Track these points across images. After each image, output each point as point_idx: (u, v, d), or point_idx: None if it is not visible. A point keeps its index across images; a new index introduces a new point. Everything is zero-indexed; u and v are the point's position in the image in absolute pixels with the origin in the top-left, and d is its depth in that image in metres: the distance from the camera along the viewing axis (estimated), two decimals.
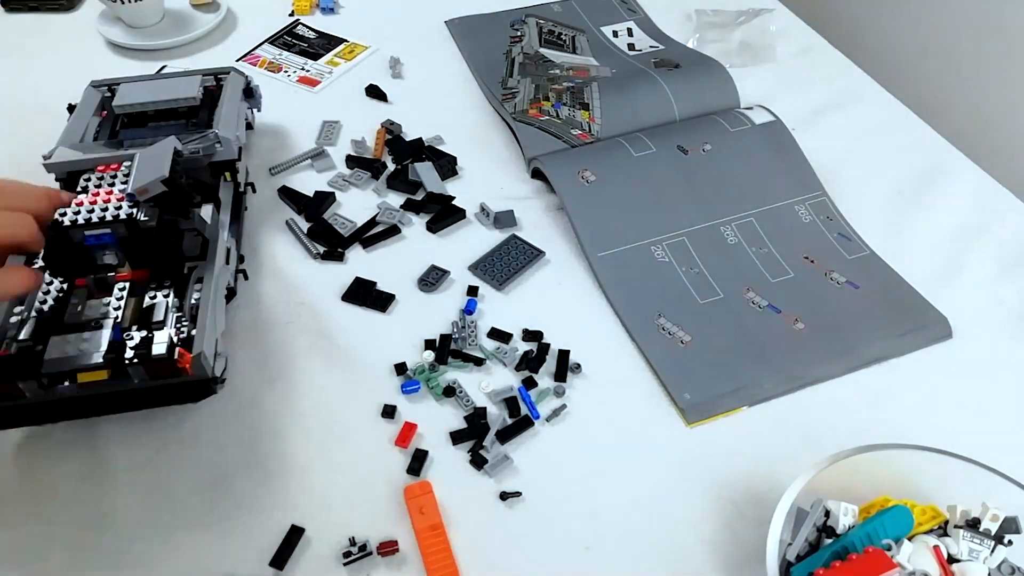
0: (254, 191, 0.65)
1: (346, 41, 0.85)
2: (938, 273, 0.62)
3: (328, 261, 0.61)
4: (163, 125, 0.61)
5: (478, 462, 0.49)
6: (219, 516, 0.46)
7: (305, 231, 0.63)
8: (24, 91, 0.76)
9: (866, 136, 0.76)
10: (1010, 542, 0.41)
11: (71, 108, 0.63)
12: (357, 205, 0.66)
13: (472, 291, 0.59)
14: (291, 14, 0.89)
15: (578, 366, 0.55)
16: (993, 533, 0.41)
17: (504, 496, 0.48)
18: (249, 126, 0.70)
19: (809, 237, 0.65)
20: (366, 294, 0.59)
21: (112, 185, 0.49)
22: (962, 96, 1.06)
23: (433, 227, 0.64)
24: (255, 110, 0.71)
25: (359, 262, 0.61)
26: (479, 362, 0.54)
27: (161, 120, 0.62)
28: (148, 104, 0.61)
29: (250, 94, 0.68)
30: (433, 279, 0.60)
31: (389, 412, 0.51)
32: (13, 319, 0.46)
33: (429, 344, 0.55)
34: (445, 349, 0.55)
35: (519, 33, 0.86)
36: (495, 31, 0.87)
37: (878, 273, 0.62)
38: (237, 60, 0.82)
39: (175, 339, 0.45)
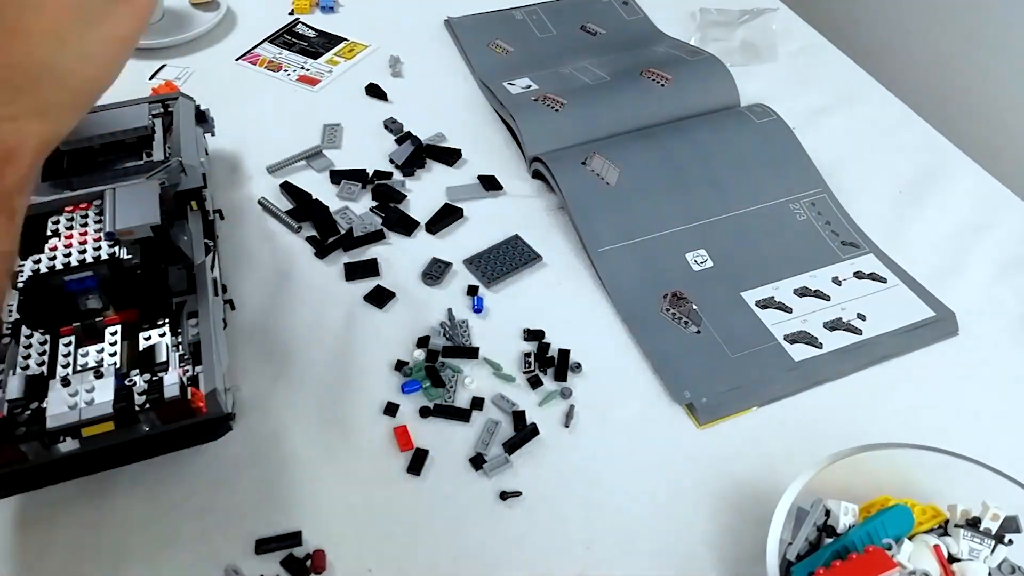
0: (222, 218, 0.62)
1: (346, 40, 0.85)
2: (940, 272, 0.62)
3: (319, 257, 0.62)
4: (113, 158, 0.56)
5: (476, 462, 0.49)
6: (218, 515, 0.46)
7: (282, 211, 0.64)
8: None
9: (867, 135, 0.76)
10: (1010, 541, 0.41)
11: None
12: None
13: (472, 290, 0.59)
14: (291, 13, 0.89)
15: (578, 365, 0.55)
16: (993, 532, 0.41)
17: (504, 496, 0.48)
18: (204, 152, 0.64)
19: (812, 233, 0.65)
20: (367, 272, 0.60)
21: (85, 226, 0.46)
22: (962, 96, 1.06)
23: (433, 228, 0.64)
24: (208, 135, 0.66)
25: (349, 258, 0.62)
26: (473, 353, 0.55)
27: (110, 153, 0.56)
28: (96, 138, 0.56)
29: (202, 118, 0.63)
30: (436, 272, 0.60)
31: (391, 411, 0.51)
32: None
33: (422, 341, 0.55)
34: (436, 350, 0.55)
35: (524, 32, 0.86)
36: (494, 30, 0.87)
37: (884, 269, 0.62)
38: (237, 59, 0.82)
39: (184, 379, 0.43)
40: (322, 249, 0.61)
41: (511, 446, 0.50)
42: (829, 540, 0.41)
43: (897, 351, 0.57)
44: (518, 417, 0.51)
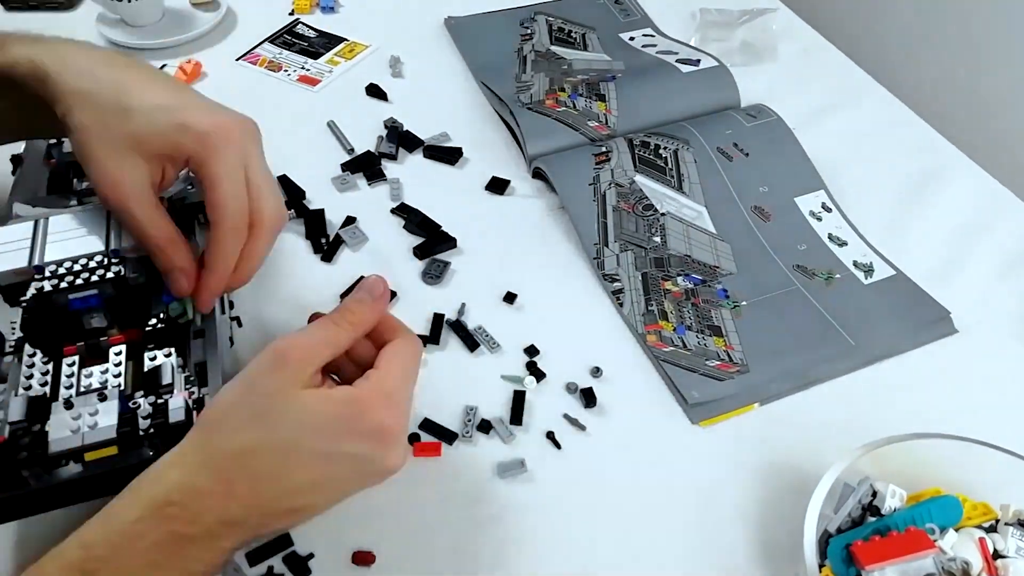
0: None
1: (346, 40, 0.85)
2: (939, 272, 0.62)
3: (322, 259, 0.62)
4: None
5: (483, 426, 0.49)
6: None
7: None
8: None
9: (867, 136, 0.76)
10: None
11: (15, 159, 0.56)
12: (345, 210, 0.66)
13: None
14: (291, 13, 0.89)
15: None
16: None
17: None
18: None
19: (812, 234, 0.65)
20: None
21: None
22: (962, 96, 1.06)
23: (420, 253, 0.62)
24: None
25: (353, 263, 0.62)
26: (472, 345, 0.55)
27: None
28: None
29: None
30: (436, 272, 0.60)
31: None
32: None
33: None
34: (438, 329, 0.56)
35: (528, 31, 0.86)
36: (494, 30, 0.87)
37: (881, 270, 0.62)
38: (237, 59, 0.82)
39: (189, 402, 0.42)
40: (325, 252, 0.61)
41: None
42: (872, 519, 0.41)
43: (895, 351, 0.57)
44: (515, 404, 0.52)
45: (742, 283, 0.60)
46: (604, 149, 0.68)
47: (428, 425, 0.51)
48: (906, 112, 0.79)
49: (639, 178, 0.66)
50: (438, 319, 0.56)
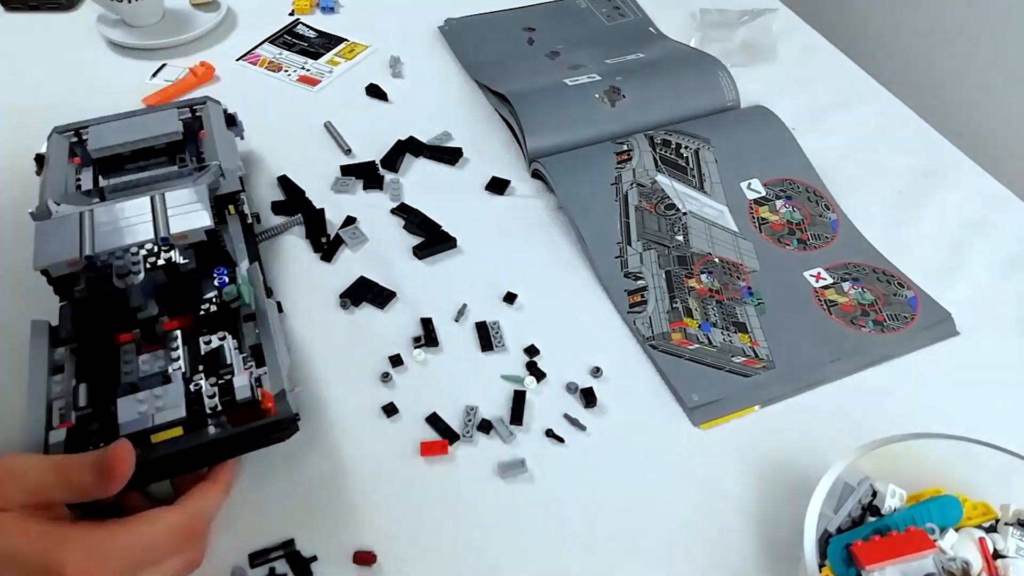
0: (259, 221, 0.62)
1: (346, 40, 0.85)
2: (939, 272, 0.62)
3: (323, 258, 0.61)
4: (143, 165, 0.57)
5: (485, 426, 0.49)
6: (218, 517, 0.46)
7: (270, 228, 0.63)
8: (24, 91, 0.76)
9: (867, 136, 0.76)
10: None
11: (39, 158, 0.58)
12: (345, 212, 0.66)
13: None
14: (291, 13, 0.89)
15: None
16: None
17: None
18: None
19: (812, 234, 0.65)
20: (366, 292, 0.59)
21: None
22: (962, 96, 1.06)
23: (420, 253, 0.62)
24: (239, 138, 0.66)
25: (353, 263, 0.62)
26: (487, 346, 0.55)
27: (140, 160, 0.57)
28: (127, 144, 0.56)
29: (232, 122, 0.64)
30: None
31: (391, 411, 0.51)
32: (57, 387, 0.42)
33: (418, 341, 0.55)
34: (431, 332, 0.56)
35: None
36: (491, 33, 0.87)
37: (881, 271, 0.62)
38: (237, 59, 0.82)
39: (252, 380, 0.42)
40: (325, 252, 0.61)
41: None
42: (872, 519, 0.41)
43: (897, 351, 0.57)
44: (516, 402, 0.52)
45: (765, 281, 0.61)
46: (625, 148, 0.68)
47: (434, 421, 0.51)
48: (906, 112, 0.79)
49: (661, 178, 0.66)
50: (427, 323, 0.56)
